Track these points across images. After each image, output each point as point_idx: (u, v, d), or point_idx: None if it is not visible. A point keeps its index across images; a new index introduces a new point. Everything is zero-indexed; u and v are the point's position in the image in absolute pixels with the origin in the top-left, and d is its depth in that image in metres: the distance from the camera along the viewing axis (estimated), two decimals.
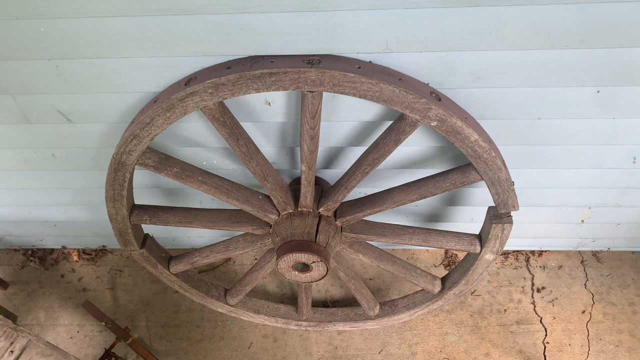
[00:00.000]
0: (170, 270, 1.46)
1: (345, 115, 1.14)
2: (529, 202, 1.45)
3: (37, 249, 1.94)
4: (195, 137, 1.24)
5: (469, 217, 1.55)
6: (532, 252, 1.86)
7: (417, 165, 1.31)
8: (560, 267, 1.84)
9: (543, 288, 1.80)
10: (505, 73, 1.02)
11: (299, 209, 1.21)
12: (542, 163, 1.29)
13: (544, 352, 1.70)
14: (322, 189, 1.28)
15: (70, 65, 1.04)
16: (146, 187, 1.47)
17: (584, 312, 1.75)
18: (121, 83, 1.07)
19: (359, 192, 1.44)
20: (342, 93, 0.96)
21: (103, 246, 1.91)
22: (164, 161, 1.13)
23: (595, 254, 1.86)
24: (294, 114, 1.14)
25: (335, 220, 1.24)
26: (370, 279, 1.86)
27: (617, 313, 1.74)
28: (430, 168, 1.31)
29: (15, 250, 1.96)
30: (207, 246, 1.42)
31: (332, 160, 1.33)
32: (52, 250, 1.96)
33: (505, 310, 1.77)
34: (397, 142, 1.05)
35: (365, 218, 1.34)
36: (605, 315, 1.74)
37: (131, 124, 1.11)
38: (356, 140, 1.23)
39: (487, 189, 1.14)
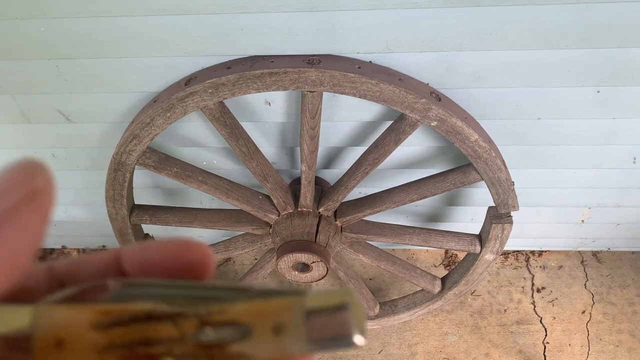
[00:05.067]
0: None
1: (345, 115, 1.14)
2: (529, 202, 1.45)
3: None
4: (195, 137, 1.24)
5: (469, 217, 1.55)
6: (532, 252, 1.86)
7: (417, 165, 1.31)
8: (560, 267, 1.84)
9: (543, 288, 1.80)
10: (505, 73, 1.01)
11: (299, 209, 1.21)
12: (542, 163, 1.29)
13: (544, 352, 1.69)
14: (322, 189, 1.28)
15: (70, 65, 1.04)
16: (146, 187, 1.47)
17: (584, 312, 1.75)
18: (121, 83, 1.07)
19: (359, 192, 1.44)
20: (342, 93, 0.95)
21: (103, 246, 1.90)
22: (164, 161, 1.13)
23: (595, 254, 1.85)
24: (294, 114, 1.14)
25: (335, 220, 1.24)
26: (370, 279, 1.86)
27: (617, 313, 1.74)
28: (430, 168, 1.31)
29: None
30: None
31: (332, 160, 1.32)
32: (52, 250, 1.96)
33: (505, 310, 1.77)
34: (397, 142, 1.05)
35: (365, 218, 1.34)
36: (605, 316, 1.74)
37: (131, 124, 1.11)
38: (356, 140, 1.23)
39: (487, 189, 1.14)
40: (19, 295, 0.22)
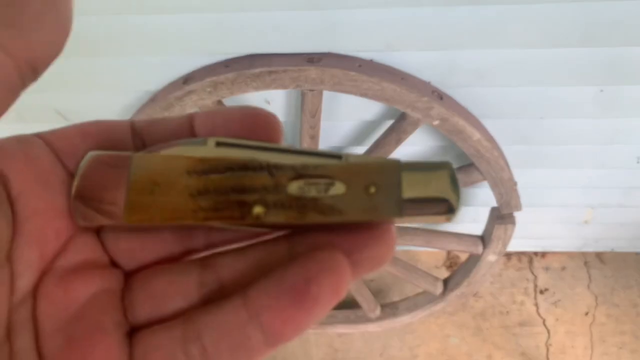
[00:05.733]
0: None
1: (346, 115, 1.13)
2: (532, 202, 1.44)
3: None
4: None
5: (471, 218, 1.54)
6: (535, 253, 1.85)
7: None
8: (564, 268, 1.83)
9: (546, 289, 1.79)
10: (508, 72, 1.00)
11: None
12: (545, 163, 1.28)
13: (547, 354, 1.68)
14: None
15: (67, 64, 1.03)
16: None
17: (587, 313, 1.74)
18: (118, 82, 1.06)
19: None
20: (342, 92, 0.95)
21: None
22: None
23: (598, 255, 1.84)
24: (293, 113, 1.13)
25: None
26: (371, 280, 1.85)
27: (620, 315, 1.73)
28: None
29: None
30: None
31: None
32: None
33: (507, 312, 1.75)
34: (399, 142, 1.04)
35: None
36: (608, 317, 1.73)
37: None
38: (357, 139, 1.22)
39: (490, 189, 1.13)
40: (108, 146, 0.23)
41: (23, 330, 0.19)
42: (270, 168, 0.21)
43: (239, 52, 0.98)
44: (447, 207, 0.20)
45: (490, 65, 0.99)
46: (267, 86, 0.94)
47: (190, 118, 0.23)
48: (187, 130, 0.23)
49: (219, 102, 1.00)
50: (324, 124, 1.17)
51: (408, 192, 0.20)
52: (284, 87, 0.94)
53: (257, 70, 0.92)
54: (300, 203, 0.20)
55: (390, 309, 1.61)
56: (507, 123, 1.14)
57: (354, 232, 0.21)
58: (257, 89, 0.95)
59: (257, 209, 0.20)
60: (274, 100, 1.10)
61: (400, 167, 0.21)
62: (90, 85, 1.08)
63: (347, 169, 0.21)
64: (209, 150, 0.22)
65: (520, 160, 1.27)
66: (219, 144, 0.22)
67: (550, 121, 1.14)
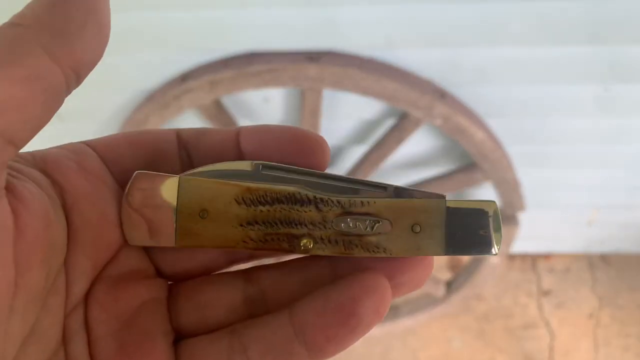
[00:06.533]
0: None
1: (346, 113, 1.12)
2: (536, 203, 1.43)
3: None
4: None
5: None
6: (539, 254, 1.84)
7: (420, 164, 1.29)
8: (568, 270, 1.81)
9: (550, 292, 1.78)
10: (511, 70, 0.99)
11: None
12: (549, 163, 1.27)
13: (550, 356, 1.67)
14: None
15: None
16: None
17: (591, 315, 1.73)
18: (115, 80, 1.06)
19: None
20: (343, 90, 0.94)
21: None
22: None
23: (603, 256, 1.83)
24: (293, 112, 1.12)
25: None
26: None
27: (625, 317, 1.72)
28: (434, 168, 1.29)
29: None
30: None
31: (332, 159, 1.30)
32: None
33: (510, 314, 1.74)
34: (400, 141, 1.03)
35: None
36: (613, 319, 1.72)
37: (125, 121, 1.10)
38: (357, 138, 1.21)
39: (493, 189, 1.12)
40: (154, 156, 0.23)
41: (77, 336, 0.20)
42: (317, 202, 0.21)
43: (237, 50, 0.97)
44: (490, 247, 0.21)
45: (494, 63, 0.98)
46: (266, 84, 0.93)
47: (237, 133, 0.24)
48: (234, 144, 0.23)
49: (218, 101, 0.99)
50: (324, 123, 1.16)
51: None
52: (283, 85, 0.93)
53: (255, 68, 0.91)
54: (347, 239, 0.21)
55: (391, 311, 1.60)
56: (510, 122, 1.13)
57: (395, 257, 0.22)
58: (256, 87, 0.94)
59: (305, 242, 0.21)
60: (273, 98, 1.09)
61: (446, 204, 0.21)
62: (85, 83, 1.06)
63: (392, 207, 0.21)
64: (254, 175, 0.22)
65: (523, 160, 1.26)
66: (264, 168, 0.22)
67: (554, 120, 1.12)
